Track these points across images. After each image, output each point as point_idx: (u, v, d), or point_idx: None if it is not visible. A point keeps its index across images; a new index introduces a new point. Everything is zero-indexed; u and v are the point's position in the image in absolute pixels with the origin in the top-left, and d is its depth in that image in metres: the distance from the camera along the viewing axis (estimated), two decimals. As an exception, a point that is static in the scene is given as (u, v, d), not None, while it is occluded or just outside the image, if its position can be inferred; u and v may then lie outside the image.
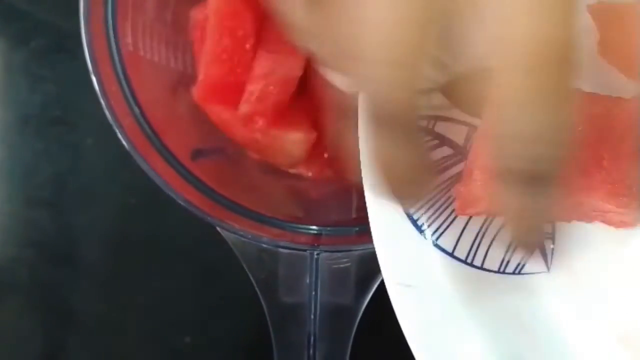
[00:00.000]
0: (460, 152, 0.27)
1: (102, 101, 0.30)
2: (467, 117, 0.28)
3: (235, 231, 0.31)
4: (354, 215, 0.35)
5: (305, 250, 0.32)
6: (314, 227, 0.33)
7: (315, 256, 0.32)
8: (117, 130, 0.30)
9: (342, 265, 0.32)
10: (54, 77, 0.43)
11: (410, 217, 0.26)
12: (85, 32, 0.30)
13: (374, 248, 0.27)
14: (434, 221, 0.27)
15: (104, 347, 0.43)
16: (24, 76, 0.43)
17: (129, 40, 0.32)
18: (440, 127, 0.27)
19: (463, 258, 0.27)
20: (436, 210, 0.27)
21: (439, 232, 0.27)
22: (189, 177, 0.32)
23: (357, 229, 0.33)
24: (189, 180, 0.32)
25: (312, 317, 0.33)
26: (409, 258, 0.26)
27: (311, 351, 0.33)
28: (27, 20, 0.43)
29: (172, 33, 0.35)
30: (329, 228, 0.33)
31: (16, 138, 0.43)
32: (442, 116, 0.28)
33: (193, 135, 0.36)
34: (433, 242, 0.27)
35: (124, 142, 0.30)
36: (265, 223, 0.33)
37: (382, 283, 0.27)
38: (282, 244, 0.32)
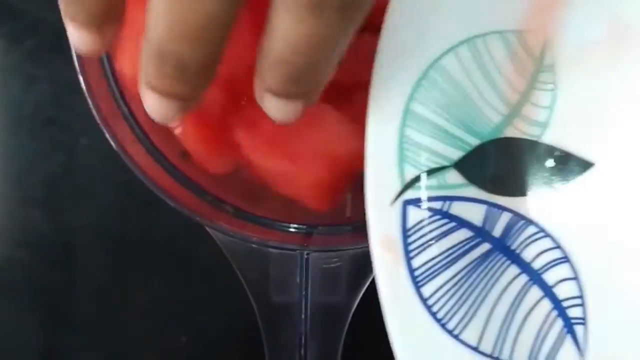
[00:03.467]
0: (480, 234, 0.26)
1: (88, 100, 0.30)
2: (485, 195, 0.26)
3: (223, 231, 0.31)
4: (348, 214, 0.34)
5: (295, 250, 0.32)
6: (304, 226, 0.32)
7: (306, 256, 0.32)
8: (103, 129, 0.30)
9: (333, 265, 0.32)
10: (48, 76, 0.43)
11: (429, 310, 0.25)
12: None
13: (366, 247, 0.26)
14: (454, 314, 0.25)
15: (100, 347, 0.43)
16: (18, 76, 0.43)
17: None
18: (456, 208, 0.26)
19: (489, 353, 0.25)
20: (456, 302, 0.25)
21: (461, 326, 0.25)
22: (178, 176, 0.32)
23: (351, 227, 0.32)
24: (178, 179, 0.32)
25: (303, 317, 0.32)
26: (431, 355, 0.25)
27: (302, 351, 0.33)
28: (21, 20, 0.43)
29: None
30: (320, 227, 0.32)
31: (10, 138, 0.43)
32: (458, 196, 0.26)
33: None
34: (455, 337, 0.25)
35: (110, 141, 0.30)
36: (256, 222, 0.32)
37: (373, 282, 0.27)
38: (271, 243, 0.32)
